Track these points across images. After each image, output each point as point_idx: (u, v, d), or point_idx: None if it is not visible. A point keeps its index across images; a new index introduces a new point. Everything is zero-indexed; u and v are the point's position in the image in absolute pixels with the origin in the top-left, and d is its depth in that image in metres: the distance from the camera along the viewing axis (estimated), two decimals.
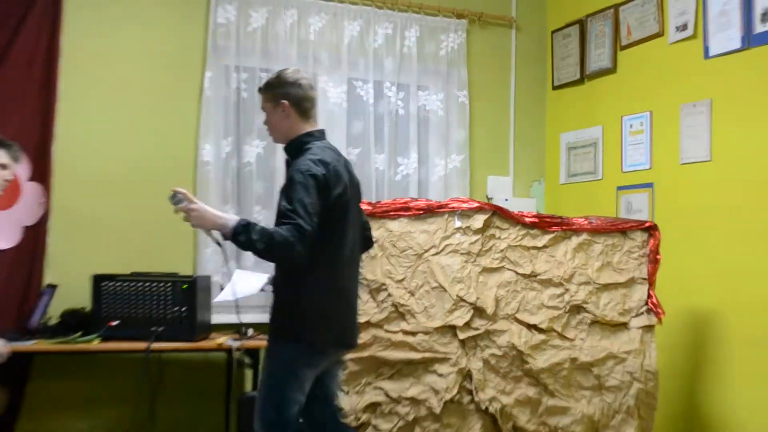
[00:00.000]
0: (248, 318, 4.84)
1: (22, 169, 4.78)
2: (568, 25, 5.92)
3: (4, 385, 4.54)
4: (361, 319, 4.31)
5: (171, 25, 5.27)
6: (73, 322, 4.54)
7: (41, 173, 4.90)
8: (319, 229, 3.31)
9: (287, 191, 3.30)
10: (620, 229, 4.67)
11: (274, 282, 3.61)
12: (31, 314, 4.65)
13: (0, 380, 4.43)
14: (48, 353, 4.57)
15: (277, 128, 3.60)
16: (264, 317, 4.74)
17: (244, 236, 3.22)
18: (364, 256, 4.04)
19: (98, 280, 4.53)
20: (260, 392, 3.58)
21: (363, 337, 4.35)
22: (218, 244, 3.67)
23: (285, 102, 3.49)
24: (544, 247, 4.57)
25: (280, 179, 5.14)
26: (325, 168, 3.37)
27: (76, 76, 5.04)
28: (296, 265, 3.29)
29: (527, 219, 4.58)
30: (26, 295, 4.79)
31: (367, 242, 3.93)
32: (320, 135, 3.61)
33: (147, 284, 4.47)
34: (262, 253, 3.36)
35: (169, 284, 4.47)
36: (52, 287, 4.72)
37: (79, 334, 4.41)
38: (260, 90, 3.65)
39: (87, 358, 4.91)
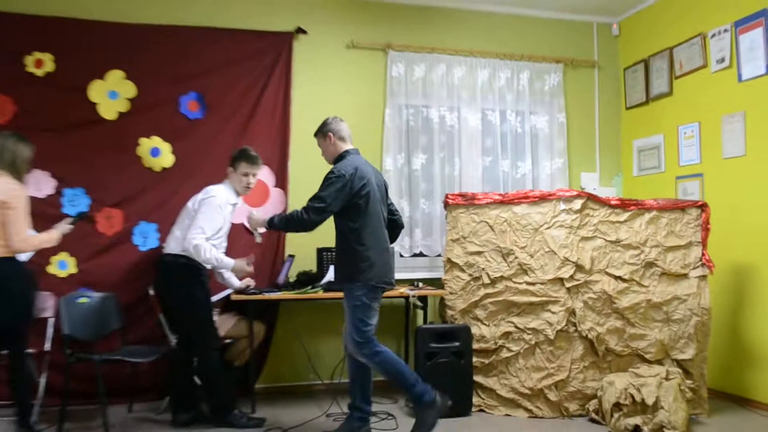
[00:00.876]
0: (419, 275, 5.59)
1: (269, 179, 5.44)
2: (635, 64, 6.16)
3: (263, 321, 5.23)
4: (496, 275, 4.90)
5: (362, 79, 5.75)
6: (305, 279, 5.08)
7: (281, 182, 5.49)
8: (353, 209, 4.01)
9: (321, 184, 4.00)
10: (680, 206, 4.96)
11: (336, 247, 4.20)
12: (278, 275, 5.21)
13: (261, 318, 5.15)
14: (289, 300, 5.04)
15: (327, 152, 4.28)
16: (429, 274, 5.50)
17: (273, 221, 4.14)
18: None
19: (320, 251, 5.10)
20: (347, 322, 4.13)
21: (497, 287, 4.92)
22: (256, 235, 4.50)
23: (330, 134, 4.24)
24: (625, 221, 4.96)
25: (439, 181, 5.79)
26: (352, 169, 4.01)
27: (301, 118, 5.49)
28: (309, 229, 4.07)
29: (612, 202, 4.99)
30: (275, 263, 5.40)
31: (394, 224, 4.40)
32: (354, 151, 4.21)
33: None
34: (285, 228, 4.45)
35: None
36: (291, 257, 5.23)
37: (309, 287, 4.95)
38: (315, 134, 4.32)
39: (314, 303, 5.35)
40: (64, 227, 4.24)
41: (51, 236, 4.10)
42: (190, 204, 4.52)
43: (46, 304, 4.73)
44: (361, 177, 4.02)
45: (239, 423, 4.47)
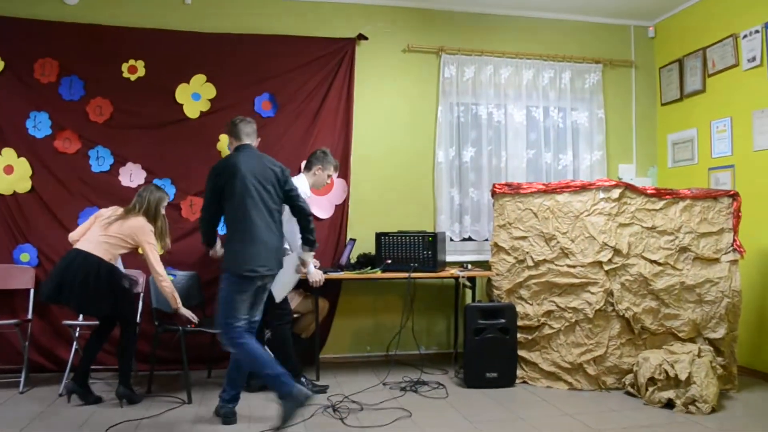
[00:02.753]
0: (468, 257, 5.52)
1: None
2: (670, 63, 5.98)
3: (327, 298, 5.25)
4: (539, 258, 4.76)
5: (417, 80, 5.72)
6: (365, 261, 5.11)
7: (344, 173, 5.45)
8: (224, 202, 3.77)
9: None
10: (712, 195, 4.80)
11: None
12: (341, 257, 5.24)
13: (325, 296, 5.16)
14: (351, 279, 5.11)
15: (229, 150, 4.03)
16: (477, 257, 5.45)
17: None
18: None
19: (379, 235, 5.01)
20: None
21: (540, 269, 4.78)
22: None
23: (228, 135, 4.03)
24: (660, 209, 4.81)
25: (487, 172, 5.68)
26: (221, 165, 3.83)
27: (361, 116, 5.55)
28: (204, 228, 3.99)
29: (648, 191, 4.84)
30: (337, 245, 5.39)
31: (295, 211, 3.99)
32: (243, 147, 3.92)
33: (407, 237, 4.92)
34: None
35: (421, 237, 4.89)
36: (353, 240, 5.23)
37: (368, 268, 4.97)
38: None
39: (373, 283, 5.43)
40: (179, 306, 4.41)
41: (177, 300, 4.37)
42: None
43: (138, 282, 4.81)
44: (227, 171, 3.78)
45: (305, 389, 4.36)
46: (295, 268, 4.21)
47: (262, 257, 3.72)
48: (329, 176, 4.64)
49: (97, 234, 4.16)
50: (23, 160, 5.05)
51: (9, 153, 5.03)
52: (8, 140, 5.02)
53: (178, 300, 4.30)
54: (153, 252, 4.17)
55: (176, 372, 4.98)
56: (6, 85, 5.03)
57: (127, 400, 4.19)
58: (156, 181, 5.20)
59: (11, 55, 5.04)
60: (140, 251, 4.33)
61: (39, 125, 5.09)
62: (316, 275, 4.55)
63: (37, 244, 5.03)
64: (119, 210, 4.27)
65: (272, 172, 3.85)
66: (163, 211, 4.35)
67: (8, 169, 5.02)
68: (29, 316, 4.83)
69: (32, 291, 4.85)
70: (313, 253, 4.09)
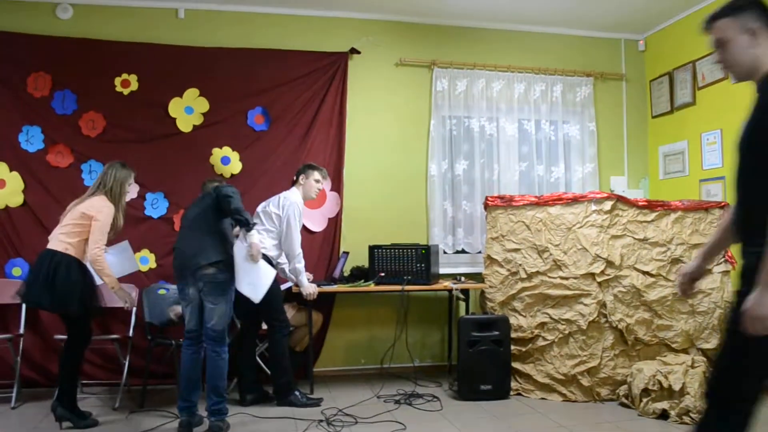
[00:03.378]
0: (461, 269, 5.52)
1: (326, 184, 5.28)
2: (661, 76, 6.00)
3: (320, 311, 5.22)
4: (532, 270, 4.77)
5: (409, 93, 5.73)
6: (358, 273, 5.07)
7: (337, 186, 5.45)
8: None
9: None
10: (703, 207, 4.83)
11: None
12: (334, 270, 5.21)
13: (318, 309, 5.11)
14: (344, 292, 5.02)
15: None
16: (470, 269, 5.45)
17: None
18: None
19: (372, 248, 5.01)
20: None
21: (534, 281, 4.78)
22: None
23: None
24: (652, 221, 4.84)
25: (479, 185, 5.72)
26: None
27: (354, 129, 5.55)
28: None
29: (640, 203, 4.87)
30: (330, 259, 5.38)
31: (218, 200, 3.96)
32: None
33: (401, 250, 4.93)
34: None
35: (414, 250, 4.89)
36: (346, 253, 5.21)
37: (362, 281, 4.93)
38: None
39: (366, 296, 5.40)
40: (122, 291, 4.08)
41: (112, 278, 3.97)
42: (269, 208, 4.56)
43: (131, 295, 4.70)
44: None
45: (299, 402, 4.47)
46: (245, 254, 3.94)
47: (178, 264, 3.92)
48: (317, 181, 4.65)
49: (56, 229, 4.02)
50: (15, 174, 5.04)
51: (1, 167, 5.03)
52: (1, 154, 5.03)
53: (114, 279, 4.01)
54: (101, 228, 3.92)
55: (170, 386, 4.94)
56: None
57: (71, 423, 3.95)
58: (148, 195, 5.22)
59: (4, 69, 5.05)
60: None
61: (32, 139, 5.09)
62: (309, 288, 4.57)
63: (29, 258, 4.96)
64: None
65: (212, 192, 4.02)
66: (127, 192, 4.18)
67: (0, 183, 5.02)
68: (21, 331, 4.81)
69: (24, 306, 4.81)
70: (255, 232, 3.91)
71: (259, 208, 4.62)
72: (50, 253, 3.95)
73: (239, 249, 3.95)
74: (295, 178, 4.73)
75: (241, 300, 4.14)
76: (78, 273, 3.95)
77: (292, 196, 4.55)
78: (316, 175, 4.64)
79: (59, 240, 3.98)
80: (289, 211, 4.48)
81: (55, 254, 3.94)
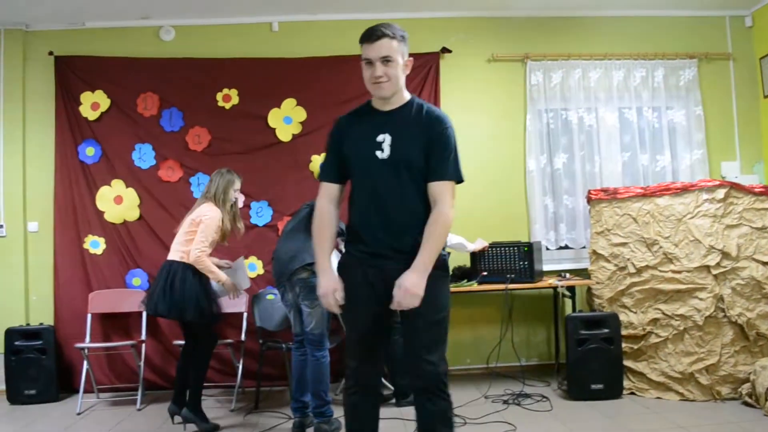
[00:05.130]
0: (565, 266, 5.43)
1: None
2: None
3: None
4: (641, 264, 4.65)
5: (503, 88, 5.66)
6: (460, 274, 5.01)
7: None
8: None
9: None
10: None
11: None
12: None
13: None
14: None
15: None
16: (575, 265, 5.33)
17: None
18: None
19: None
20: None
21: (643, 276, 4.65)
22: None
23: None
24: None
25: (580, 178, 5.57)
26: None
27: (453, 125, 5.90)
28: None
29: (756, 189, 4.69)
30: None
31: None
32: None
33: (503, 248, 4.91)
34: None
35: (516, 247, 4.87)
36: (447, 253, 5.56)
37: (465, 281, 4.91)
38: None
39: (469, 296, 5.36)
40: (229, 283, 4.24)
41: (216, 273, 4.12)
42: None
43: (240, 301, 4.98)
44: None
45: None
46: None
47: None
48: None
49: (174, 242, 4.21)
50: (131, 190, 5.41)
51: (118, 184, 5.40)
52: (117, 172, 5.42)
53: (218, 274, 4.16)
54: (204, 231, 4.05)
55: (282, 387, 5.16)
56: (113, 121, 5.44)
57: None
58: (253, 204, 5.44)
59: (116, 93, 5.45)
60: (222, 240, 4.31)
61: (144, 156, 5.43)
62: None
63: (147, 269, 5.35)
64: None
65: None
66: (234, 196, 4.29)
67: (118, 200, 5.38)
68: (143, 337, 5.16)
69: (144, 313, 5.13)
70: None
71: None
72: (168, 264, 4.19)
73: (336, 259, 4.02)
74: None
75: None
76: (194, 281, 4.12)
77: None
78: None
79: (175, 250, 4.22)
80: None
81: (172, 264, 4.16)
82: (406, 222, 2.50)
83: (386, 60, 2.50)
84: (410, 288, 2.39)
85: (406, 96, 2.62)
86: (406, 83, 5.48)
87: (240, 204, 5.26)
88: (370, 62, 2.53)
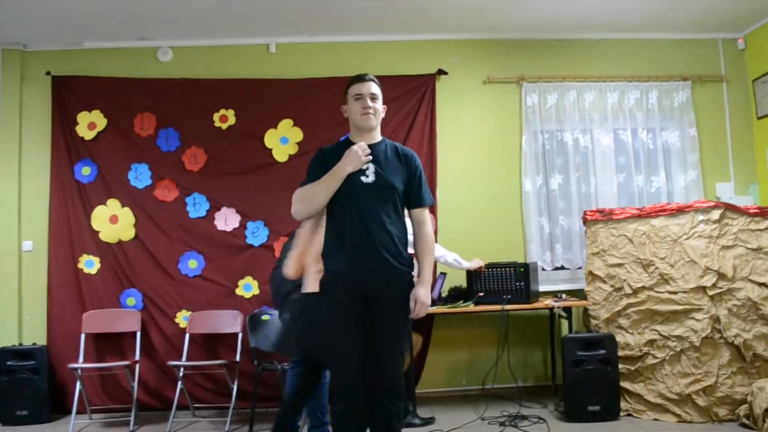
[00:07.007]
0: (561, 287, 5.39)
1: None
2: (764, 75, 5.71)
3: (420, 332, 5.20)
4: (637, 285, 4.63)
5: (499, 110, 5.69)
6: (456, 294, 5.01)
7: (431, 208, 4.75)
8: None
9: None
10: None
11: None
12: (432, 291, 4.81)
13: (418, 330, 5.10)
14: (443, 314, 5.01)
15: None
16: (571, 286, 5.30)
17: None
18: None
19: (469, 270, 4.84)
20: None
21: (639, 297, 4.64)
22: None
23: None
24: (766, 229, 4.63)
25: (576, 199, 5.60)
26: None
27: (445, 149, 5.58)
28: None
29: (751, 210, 4.68)
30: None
31: None
32: None
33: (499, 269, 4.84)
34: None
35: (512, 268, 4.80)
36: (443, 275, 5.11)
37: (461, 301, 4.88)
38: None
39: (465, 316, 5.34)
40: None
41: None
42: None
43: (235, 321, 4.99)
44: None
45: (414, 422, 4.56)
46: None
47: None
48: None
49: None
50: (127, 209, 5.39)
51: (114, 203, 5.39)
52: (113, 191, 5.40)
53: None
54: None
55: (276, 409, 4.93)
56: (109, 140, 5.43)
57: None
58: (249, 224, 5.42)
59: (113, 112, 5.45)
60: None
61: (140, 176, 5.43)
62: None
63: (142, 289, 5.32)
64: None
65: None
66: None
67: (113, 219, 5.36)
68: (137, 357, 5.10)
69: (138, 333, 5.12)
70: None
71: None
72: None
73: None
74: None
75: None
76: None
77: None
78: None
79: None
80: None
81: None
82: (386, 240, 2.87)
83: (374, 97, 2.97)
84: (424, 301, 2.88)
85: (380, 136, 3.08)
86: (403, 104, 5.56)
87: (235, 224, 5.31)
88: (360, 97, 2.96)
